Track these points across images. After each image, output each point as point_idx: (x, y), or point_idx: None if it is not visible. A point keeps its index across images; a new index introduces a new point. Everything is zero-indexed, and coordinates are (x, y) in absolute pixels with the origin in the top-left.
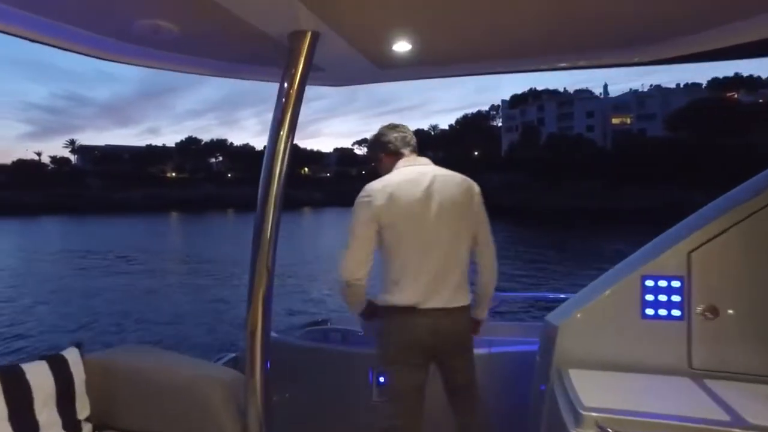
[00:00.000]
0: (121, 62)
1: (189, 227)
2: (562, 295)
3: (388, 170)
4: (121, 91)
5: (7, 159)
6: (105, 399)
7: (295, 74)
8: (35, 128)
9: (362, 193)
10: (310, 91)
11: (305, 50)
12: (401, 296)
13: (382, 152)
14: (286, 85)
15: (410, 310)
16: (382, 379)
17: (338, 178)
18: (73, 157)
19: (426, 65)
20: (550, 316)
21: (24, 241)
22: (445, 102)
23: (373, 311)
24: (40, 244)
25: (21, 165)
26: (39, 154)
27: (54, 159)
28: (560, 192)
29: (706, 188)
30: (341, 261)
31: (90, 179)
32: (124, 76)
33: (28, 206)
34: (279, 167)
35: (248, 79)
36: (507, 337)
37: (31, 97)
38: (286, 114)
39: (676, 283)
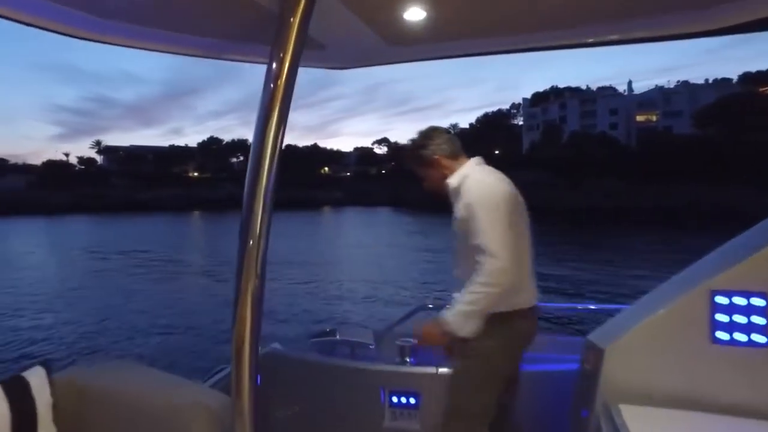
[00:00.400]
0: (89, 39)
1: (210, 226)
2: (591, 306)
3: (444, 174)
4: (145, 92)
5: (38, 160)
6: (75, 426)
7: (286, 49)
8: (64, 130)
9: (488, 188)
10: (329, 90)
11: (298, 18)
12: (524, 297)
13: (437, 155)
14: (275, 64)
15: (523, 313)
16: (395, 400)
17: (358, 178)
18: (99, 158)
19: (443, 41)
20: (595, 336)
21: (49, 239)
22: (464, 101)
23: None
24: (65, 242)
25: (50, 165)
26: (67, 155)
27: (81, 159)
28: (583, 191)
29: (736, 185)
30: (499, 263)
31: (115, 179)
32: (148, 78)
33: (56, 206)
34: (268, 161)
35: (235, 60)
36: (539, 353)
37: (61, 100)
38: (275, 99)
39: (758, 301)
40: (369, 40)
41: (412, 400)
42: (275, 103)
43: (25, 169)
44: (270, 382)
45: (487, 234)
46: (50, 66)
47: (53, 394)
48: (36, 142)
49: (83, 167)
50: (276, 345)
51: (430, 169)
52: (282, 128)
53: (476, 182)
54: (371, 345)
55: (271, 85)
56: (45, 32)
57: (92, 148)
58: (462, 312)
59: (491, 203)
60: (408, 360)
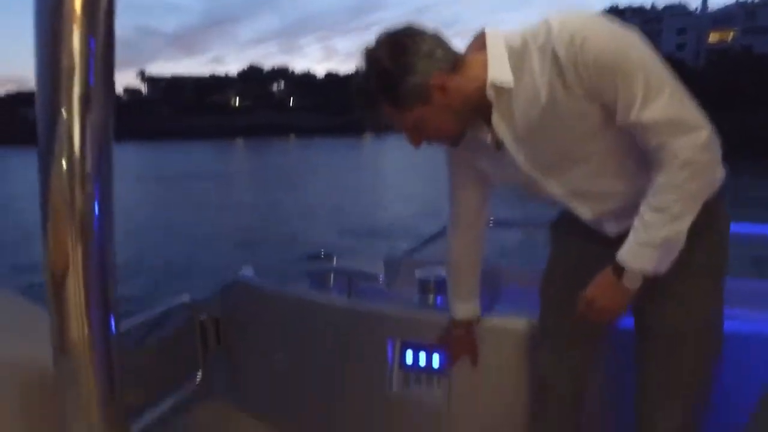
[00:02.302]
0: None
1: (256, 152)
2: None
3: (452, 102)
4: (186, 21)
5: None
6: None
7: None
8: None
9: (603, 22)
10: (370, 15)
11: None
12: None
13: (436, 75)
14: None
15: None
16: (410, 357)
17: None
18: (143, 87)
19: None
20: None
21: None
22: (514, 23)
23: None
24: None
25: None
26: None
27: (126, 90)
28: None
29: None
30: (703, 133)
31: (159, 108)
32: (189, 7)
33: None
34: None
35: None
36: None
37: None
38: None
39: None
40: None
41: (435, 360)
42: None
43: None
44: (235, 322)
45: (660, 94)
46: None
47: None
48: None
49: (129, 96)
50: (247, 271)
51: (428, 107)
52: None
53: (575, 23)
54: (380, 277)
55: None
56: None
57: (137, 78)
58: (664, 237)
59: (633, 40)
60: (433, 300)
